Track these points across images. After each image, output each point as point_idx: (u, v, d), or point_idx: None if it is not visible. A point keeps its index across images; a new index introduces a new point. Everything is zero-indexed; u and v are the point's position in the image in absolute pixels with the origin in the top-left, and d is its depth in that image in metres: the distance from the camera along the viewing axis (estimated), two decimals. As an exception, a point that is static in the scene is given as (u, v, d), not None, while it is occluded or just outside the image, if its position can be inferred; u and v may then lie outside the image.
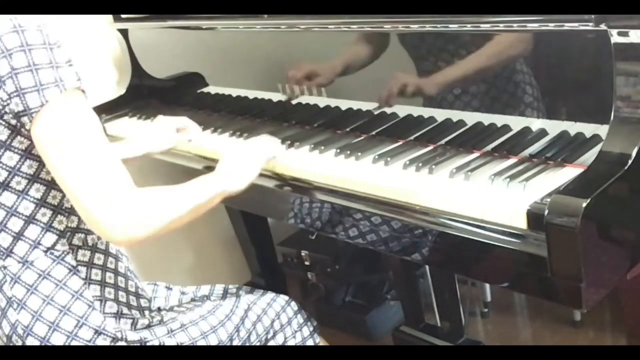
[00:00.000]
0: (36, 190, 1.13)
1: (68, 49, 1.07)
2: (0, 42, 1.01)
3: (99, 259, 1.20)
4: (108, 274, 1.21)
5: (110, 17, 2.04)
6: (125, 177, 1.07)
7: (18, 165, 1.11)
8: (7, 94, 1.03)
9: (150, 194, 1.09)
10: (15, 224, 1.14)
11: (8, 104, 1.04)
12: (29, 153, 1.11)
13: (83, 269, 1.17)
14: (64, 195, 1.15)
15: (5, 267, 1.15)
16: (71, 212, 1.16)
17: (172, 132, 1.57)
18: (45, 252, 1.15)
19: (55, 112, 1.03)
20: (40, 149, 1.06)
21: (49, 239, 1.15)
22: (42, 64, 1.03)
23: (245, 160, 1.31)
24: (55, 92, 1.03)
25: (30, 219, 1.14)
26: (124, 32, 2.08)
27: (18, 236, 1.14)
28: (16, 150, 1.10)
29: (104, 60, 2.14)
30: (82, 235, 1.18)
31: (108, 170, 1.05)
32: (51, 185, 1.14)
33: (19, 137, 1.09)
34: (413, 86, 1.41)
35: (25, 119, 1.04)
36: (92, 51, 2.08)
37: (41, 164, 1.12)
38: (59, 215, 1.15)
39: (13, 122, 1.07)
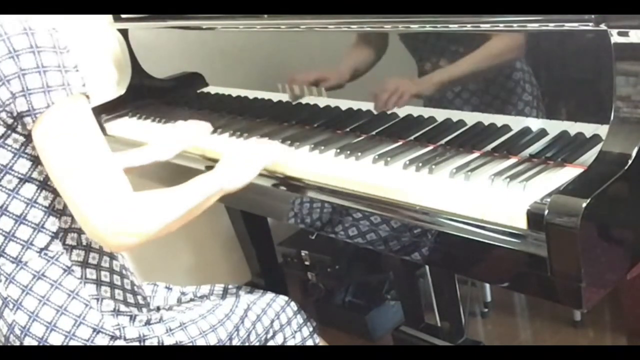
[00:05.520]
0: (27, 190, 1.13)
1: (75, 55, 1.08)
2: (9, 43, 1.02)
3: (93, 258, 1.20)
4: (103, 273, 1.20)
5: (110, 17, 2.04)
6: (123, 183, 1.07)
7: (10, 164, 1.11)
8: (12, 93, 1.03)
9: (148, 199, 1.09)
10: (6, 224, 1.13)
11: (9, 104, 1.04)
12: (22, 152, 1.10)
13: (78, 269, 1.17)
14: (55, 197, 1.14)
15: None
16: (63, 213, 1.16)
17: (183, 141, 1.57)
18: (39, 253, 1.15)
19: (59, 114, 1.04)
20: (41, 149, 1.06)
21: (42, 239, 1.15)
22: (50, 66, 1.03)
23: (245, 159, 1.31)
24: (62, 94, 1.03)
25: (20, 219, 1.13)
26: (124, 32, 2.08)
27: (9, 236, 1.14)
28: (9, 149, 1.10)
29: (104, 60, 2.14)
30: (75, 235, 1.18)
31: (105, 176, 1.05)
32: (42, 186, 1.13)
33: (13, 134, 1.09)
34: (413, 88, 1.41)
35: (28, 119, 1.04)
36: (92, 51, 2.08)
37: (34, 164, 1.11)
38: (50, 217, 1.15)
39: (10, 121, 1.07)
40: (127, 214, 1.05)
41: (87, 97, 1.07)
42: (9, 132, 1.09)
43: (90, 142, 1.06)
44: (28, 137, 1.09)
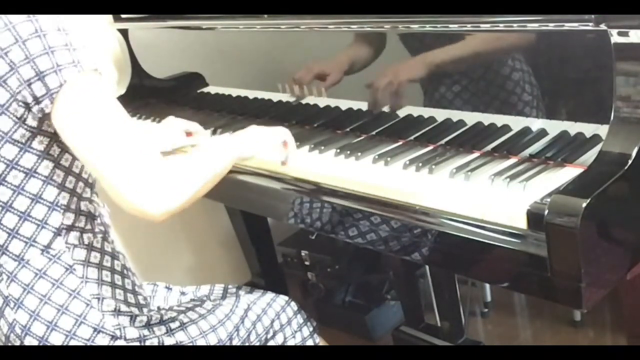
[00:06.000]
0: (32, 186, 1.13)
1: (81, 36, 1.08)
2: (15, 31, 1.02)
3: (95, 257, 1.20)
4: (104, 272, 1.20)
5: (110, 17, 2.04)
6: (151, 151, 1.05)
7: (16, 159, 1.11)
8: (24, 81, 1.03)
9: (176, 164, 1.09)
10: (10, 221, 1.13)
11: (20, 91, 1.04)
12: (28, 146, 1.10)
13: (79, 268, 1.17)
14: (60, 192, 1.14)
15: (0, 265, 1.15)
16: (67, 209, 1.16)
17: (181, 134, 1.57)
18: (42, 251, 1.15)
19: (72, 92, 1.03)
20: (61, 130, 1.05)
21: (45, 236, 1.15)
22: (57, 46, 1.03)
23: (258, 130, 1.31)
24: (73, 71, 1.03)
25: (25, 216, 1.13)
26: (124, 32, 2.08)
27: (12, 233, 1.14)
28: (16, 144, 1.10)
29: (104, 60, 2.13)
30: (78, 234, 1.18)
31: (130, 147, 1.04)
32: (48, 181, 1.13)
33: (21, 129, 1.09)
34: (412, 86, 1.41)
35: (46, 102, 1.04)
36: (92, 51, 2.08)
37: (39, 158, 1.11)
38: (54, 212, 1.15)
39: (21, 111, 1.07)
40: (160, 179, 1.03)
41: (100, 74, 1.06)
42: (17, 126, 1.08)
43: (109, 116, 1.04)
44: (34, 131, 1.09)
